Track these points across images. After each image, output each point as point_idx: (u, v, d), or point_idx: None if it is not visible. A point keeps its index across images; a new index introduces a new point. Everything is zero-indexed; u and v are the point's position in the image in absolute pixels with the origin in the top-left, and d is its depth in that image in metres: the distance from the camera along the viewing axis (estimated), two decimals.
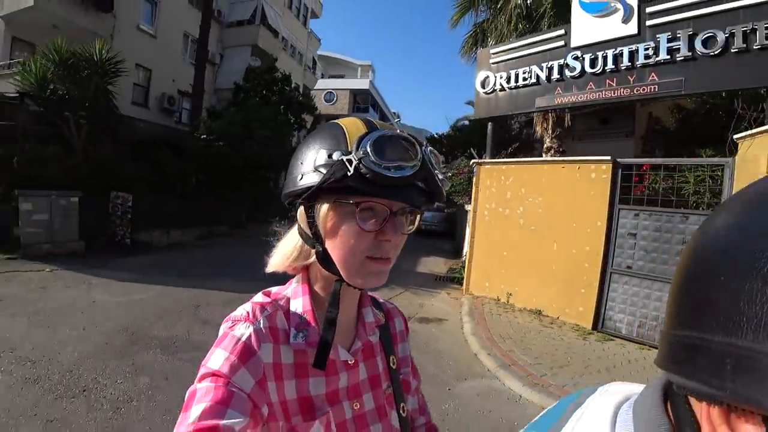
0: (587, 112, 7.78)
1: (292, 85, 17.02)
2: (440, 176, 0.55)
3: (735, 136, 4.41)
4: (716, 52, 4.38)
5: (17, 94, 7.65)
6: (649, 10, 4.86)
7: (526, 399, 3.23)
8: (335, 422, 0.57)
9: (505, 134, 11.42)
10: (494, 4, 7.55)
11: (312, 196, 0.54)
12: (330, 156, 0.51)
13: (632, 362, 4.01)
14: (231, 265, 7.43)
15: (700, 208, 4.50)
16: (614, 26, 5.10)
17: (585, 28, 5.36)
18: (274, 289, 0.63)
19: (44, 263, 6.30)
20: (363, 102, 32.86)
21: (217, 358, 0.51)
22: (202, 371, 0.51)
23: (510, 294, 5.93)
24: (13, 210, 6.87)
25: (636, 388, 0.41)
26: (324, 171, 0.51)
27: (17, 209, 6.80)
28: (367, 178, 0.49)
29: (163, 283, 5.71)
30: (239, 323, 0.55)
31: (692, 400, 0.30)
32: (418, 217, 0.57)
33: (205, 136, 11.32)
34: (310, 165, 0.53)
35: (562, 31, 5.61)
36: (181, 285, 5.72)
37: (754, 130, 4.11)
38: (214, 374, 0.49)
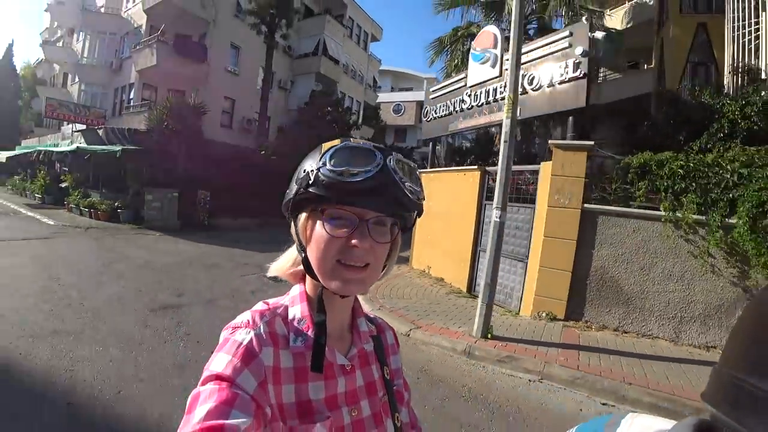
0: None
1: (345, 106, 21.23)
2: (408, 185, 0.59)
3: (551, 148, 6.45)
4: (536, 88, 6.55)
5: (147, 129, 13.22)
6: (505, 57, 7.15)
7: None
8: (334, 427, 0.61)
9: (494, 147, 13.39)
10: (452, 47, 10.18)
11: (295, 208, 0.62)
12: (305, 170, 0.59)
13: (456, 307, 6.33)
14: (266, 240, 11.52)
15: (524, 202, 6.61)
16: (487, 70, 7.50)
17: (474, 72, 7.83)
18: (272, 300, 0.68)
19: (156, 231, 11.35)
20: None
21: (220, 362, 0.55)
22: (205, 375, 0.54)
23: (429, 267, 8.53)
24: (141, 200, 12.10)
25: (662, 423, 0.43)
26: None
27: (144, 200, 11.98)
28: (325, 185, 0.56)
29: (218, 245, 10.14)
30: (239, 329, 0.59)
31: None
32: (396, 227, 0.63)
33: (263, 152, 15.93)
34: (294, 180, 0.61)
35: (463, 75, 8.13)
36: (227, 246, 10.07)
37: (552, 142, 6.13)
38: (217, 377, 0.53)
